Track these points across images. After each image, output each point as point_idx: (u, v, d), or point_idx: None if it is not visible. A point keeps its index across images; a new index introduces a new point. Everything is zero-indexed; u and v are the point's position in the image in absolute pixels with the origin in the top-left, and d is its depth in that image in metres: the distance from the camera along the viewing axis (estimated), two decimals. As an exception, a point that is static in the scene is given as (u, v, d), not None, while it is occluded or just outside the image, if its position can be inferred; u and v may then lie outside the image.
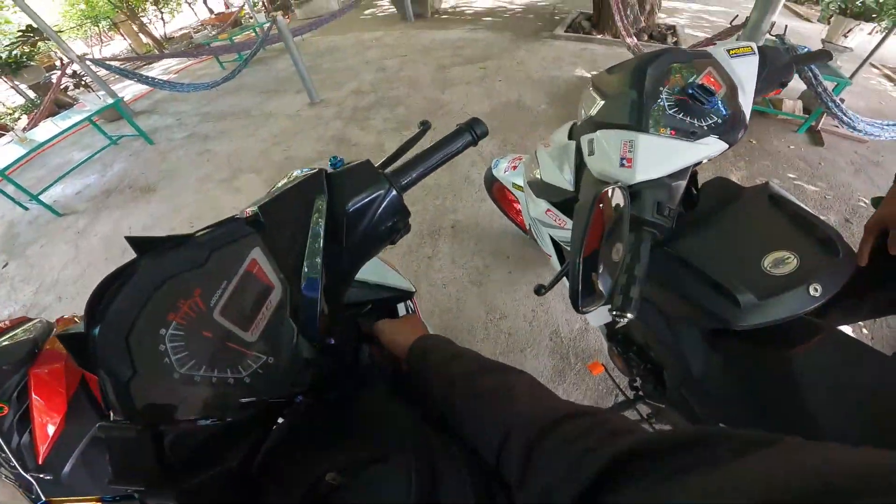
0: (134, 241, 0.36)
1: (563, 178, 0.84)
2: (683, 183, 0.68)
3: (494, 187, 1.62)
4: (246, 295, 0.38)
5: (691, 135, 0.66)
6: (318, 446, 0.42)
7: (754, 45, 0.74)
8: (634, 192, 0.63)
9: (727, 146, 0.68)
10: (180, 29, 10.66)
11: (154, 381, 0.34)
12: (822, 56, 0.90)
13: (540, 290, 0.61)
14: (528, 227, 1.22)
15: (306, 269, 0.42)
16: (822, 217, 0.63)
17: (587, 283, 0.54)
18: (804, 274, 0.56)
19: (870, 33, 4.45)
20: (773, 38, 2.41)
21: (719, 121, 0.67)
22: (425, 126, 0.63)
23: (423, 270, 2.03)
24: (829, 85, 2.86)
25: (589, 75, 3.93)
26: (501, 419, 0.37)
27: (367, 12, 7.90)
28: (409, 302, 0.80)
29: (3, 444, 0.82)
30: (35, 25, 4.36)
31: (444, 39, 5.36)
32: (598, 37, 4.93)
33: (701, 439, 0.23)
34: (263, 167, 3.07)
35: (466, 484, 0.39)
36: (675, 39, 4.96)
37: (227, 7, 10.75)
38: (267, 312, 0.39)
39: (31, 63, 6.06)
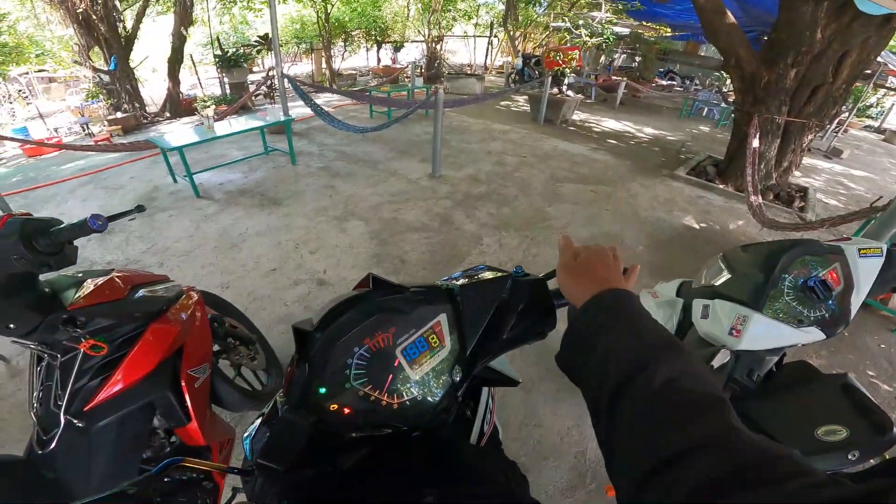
0: (374, 279, 0.52)
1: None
2: (775, 358, 0.77)
3: None
4: (423, 344, 0.49)
5: (798, 322, 0.74)
6: (418, 470, 0.49)
7: (884, 247, 0.80)
8: (735, 355, 0.75)
9: (825, 338, 0.76)
10: (351, 68, 12.68)
11: (331, 384, 0.45)
12: None
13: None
14: None
15: (475, 343, 0.54)
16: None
17: None
18: (849, 444, 0.64)
19: None
20: None
21: (826, 315, 0.75)
22: None
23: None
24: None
25: (697, 226, 3.84)
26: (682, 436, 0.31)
27: (503, 104, 8.64)
28: (492, 389, 0.90)
29: (70, 382, 0.86)
30: (270, 36, 5.46)
31: (565, 151, 5.63)
32: (720, 186, 4.72)
33: None
34: (371, 219, 3.39)
35: None
36: (801, 204, 4.56)
37: (394, 62, 12.60)
38: (433, 361, 0.50)
39: (244, 65, 7.21)
